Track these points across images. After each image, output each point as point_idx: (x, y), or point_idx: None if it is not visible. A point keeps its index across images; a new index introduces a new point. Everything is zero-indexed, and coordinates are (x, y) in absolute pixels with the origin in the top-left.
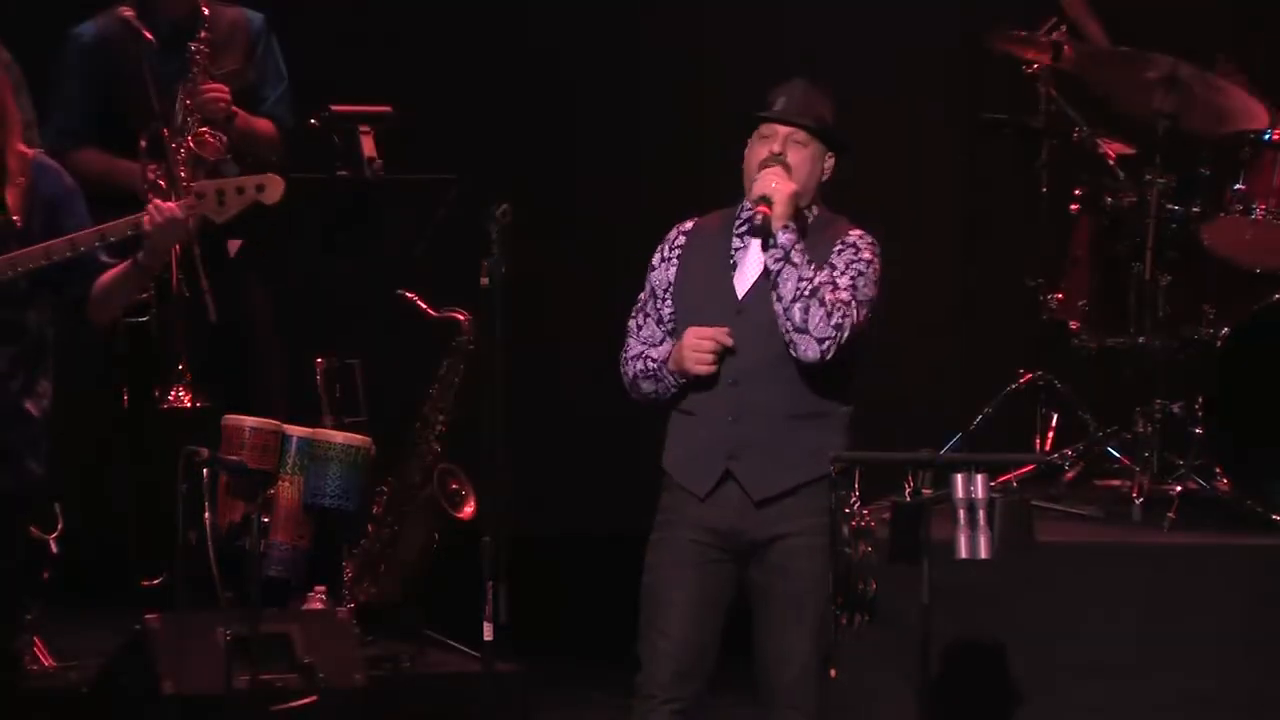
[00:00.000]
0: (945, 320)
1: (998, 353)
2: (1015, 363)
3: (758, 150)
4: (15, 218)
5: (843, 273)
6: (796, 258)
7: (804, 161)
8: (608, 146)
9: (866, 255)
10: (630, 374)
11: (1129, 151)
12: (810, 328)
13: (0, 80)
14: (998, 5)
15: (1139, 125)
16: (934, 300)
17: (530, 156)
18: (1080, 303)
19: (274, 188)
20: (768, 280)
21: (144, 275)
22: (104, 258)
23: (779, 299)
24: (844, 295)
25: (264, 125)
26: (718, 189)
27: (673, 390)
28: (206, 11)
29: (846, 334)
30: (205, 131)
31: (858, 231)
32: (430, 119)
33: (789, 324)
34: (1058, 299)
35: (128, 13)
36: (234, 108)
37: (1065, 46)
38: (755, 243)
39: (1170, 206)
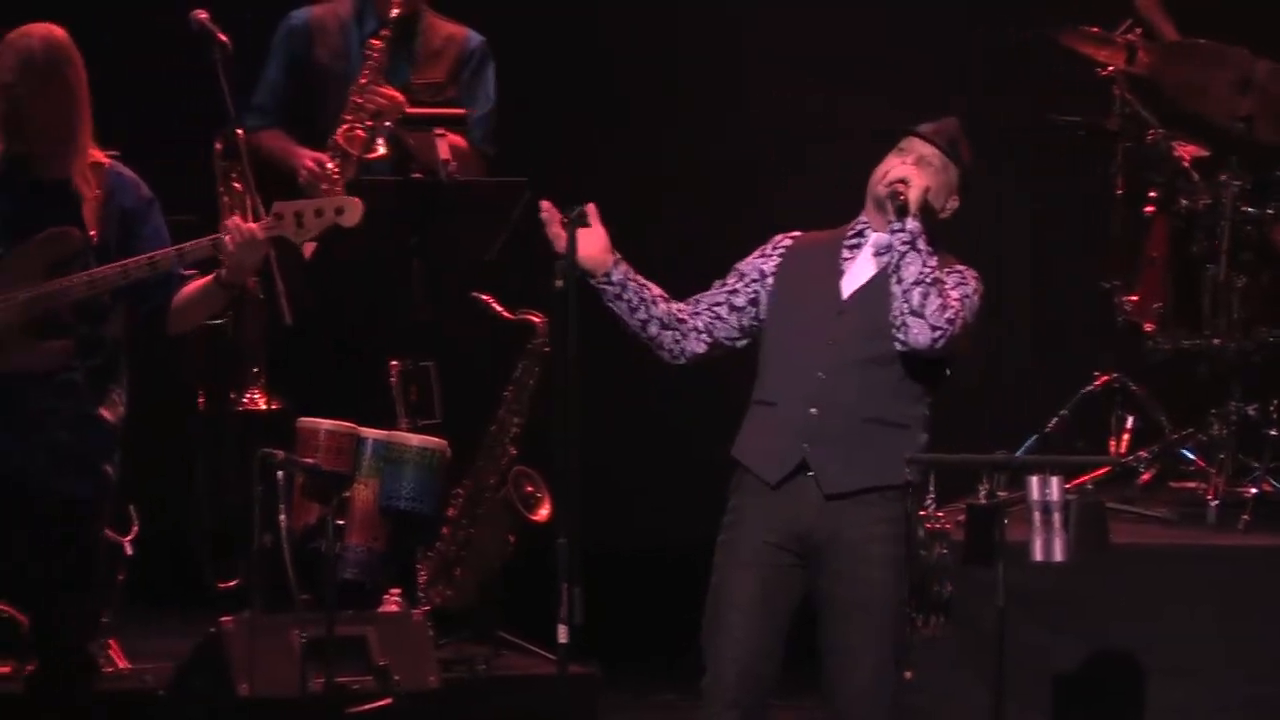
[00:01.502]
0: (1020, 323)
1: (1073, 355)
2: (1090, 365)
3: (891, 161)
4: (92, 233)
5: (953, 289)
6: (922, 245)
7: (933, 184)
8: (688, 149)
9: (973, 285)
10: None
11: (1203, 154)
12: (926, 313)
13: (76, 100)
14: (1066, 4)
15: (1214, 127)
16: (1009, 303)
17: (606, 158)
18: (1155, 305)
19: (353, 211)
20: (873, 287)
21: (226, 292)
22: (183, 271)
23: (899, 280)
24: (954, 303)
25: (454, 141)
26: (797, 199)
27: (625, 313)
28: (396, 11)
29: (956, 331)
30: (358, 126)
31: (965, 265)
32: (504, 121)
33: (906, 306)
34: (1132, 301)
35: (202, 15)
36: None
37: (1139, 49)
38: (865, 251)
39: (1245, 208)
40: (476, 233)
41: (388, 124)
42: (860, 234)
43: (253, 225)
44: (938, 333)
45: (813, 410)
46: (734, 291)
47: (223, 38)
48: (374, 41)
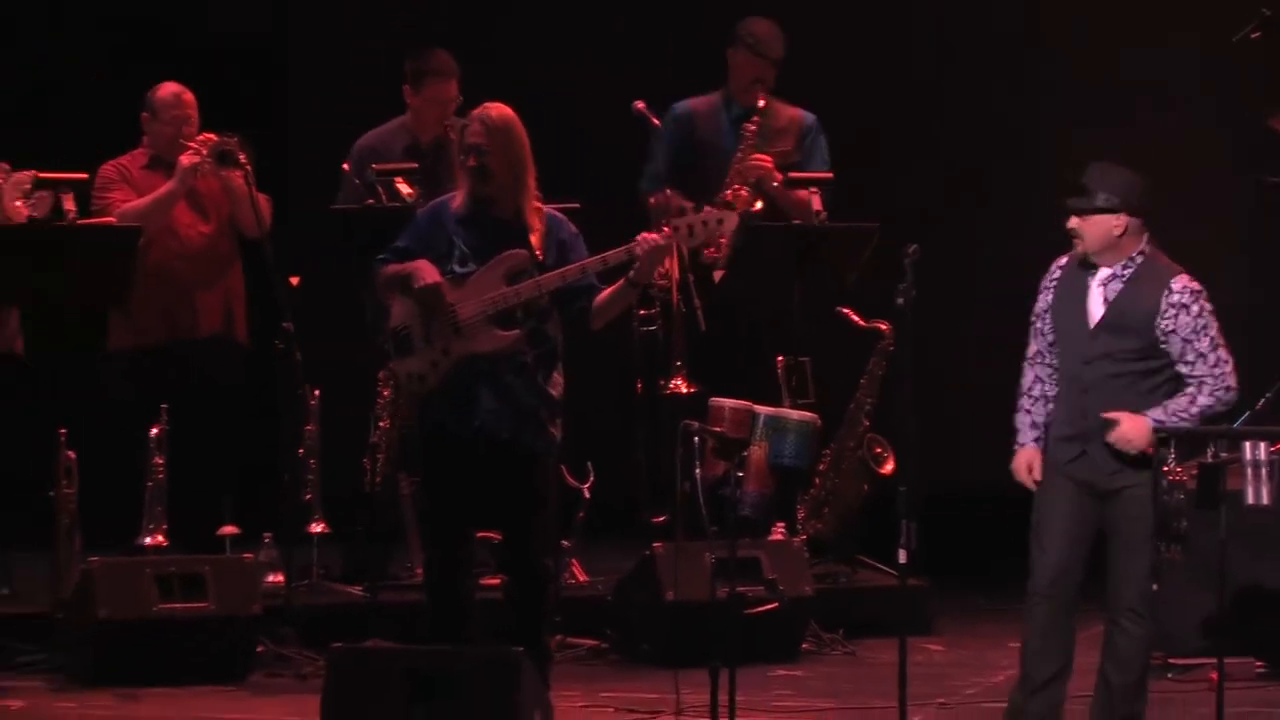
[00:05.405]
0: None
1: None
2: None
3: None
4: (539, 254)
5: (1196, 339)
6: (1171, 425)
7: (1094, 232)
8: (1003, 193)
9: (1195, 309)
10: (1023, 380)
11: None
12: (1216, 411)
13: (524, 157)
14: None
15: None
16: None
17: (938, 208)
18: None
19: (729, 222)
20: (1108, 315)
21: (634, 290)
22: (597, 284)
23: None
24: (1210, 363)
25: (802, 196)
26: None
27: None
28: (762, 104)
29: (1231, 381)
30: (741, 188)
31: (1180, 283)
32: (858, 178)
33: (1201, 418)
34: None
35: (640, 104)
36: (778, 178)
37: None
38: (1096, 282)
39: None
40: (840, 264)
41: (761, 182)
42: (1094, 265)
43: (655, 236)
44: (1230, 395)
45: (1081, 417)
46: (1041, 334)
47: (656, 122)
48: (748, 125)
